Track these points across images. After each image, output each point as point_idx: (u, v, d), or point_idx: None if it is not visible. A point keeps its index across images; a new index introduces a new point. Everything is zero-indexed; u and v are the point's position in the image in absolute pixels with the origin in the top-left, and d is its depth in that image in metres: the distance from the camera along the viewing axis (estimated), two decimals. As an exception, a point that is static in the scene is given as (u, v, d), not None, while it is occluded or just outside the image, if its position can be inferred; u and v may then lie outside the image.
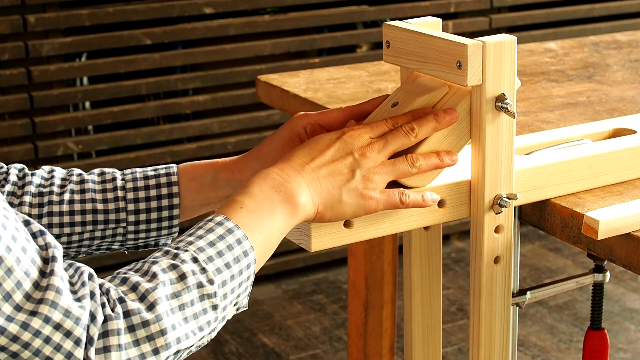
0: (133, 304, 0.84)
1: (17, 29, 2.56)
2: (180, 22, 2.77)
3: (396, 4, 3.01)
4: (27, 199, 1.09)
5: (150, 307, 0.85)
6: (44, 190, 1.10)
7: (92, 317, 0.82)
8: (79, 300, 0.82)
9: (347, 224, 1.03)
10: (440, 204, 1.07)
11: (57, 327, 0.80)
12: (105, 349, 0.83)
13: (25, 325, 0.79)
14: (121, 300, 0.85)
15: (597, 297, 1.38)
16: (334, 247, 1.05)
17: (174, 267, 0.88)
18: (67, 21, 2.61)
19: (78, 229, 1.10)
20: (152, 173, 1.12)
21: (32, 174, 1.11)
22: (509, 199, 1.07)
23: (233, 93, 2.87)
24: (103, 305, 0.84)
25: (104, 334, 0.83)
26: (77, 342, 0.81)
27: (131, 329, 0.84)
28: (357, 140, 1.01)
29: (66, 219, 1.09)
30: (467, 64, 1.01)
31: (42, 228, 0.85)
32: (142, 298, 0.85)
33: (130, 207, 1.11)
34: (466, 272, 3.06)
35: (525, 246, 3.22)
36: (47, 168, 1.13)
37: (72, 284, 0.83)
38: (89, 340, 0.82)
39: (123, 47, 2.70)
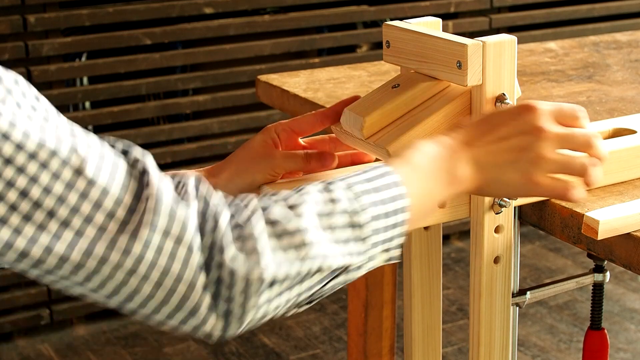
0: (280, 211, 0.83)
1: (17, 29, 2.56)
2: (180, 22, 2.77)
3: (396, 4, 3.01)
4: None
5: (299, 216, 0.83)
6: None
7: (213, 221, 0.81)
8: (184, 206, 0.80)
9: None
10: (440, 204, 1.07)
11: (166, 234, 0.79)
12: (248, 252, 0.81)
13: (133, 238, 0.78)
14: (266, 208, 0.83)
15: (597, 297, 1.38)
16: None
17: (326, 189, 0.87)
18: (67, 21, 2.61)
19: None
20: None
21: None
22: (508, 199, 1.07)
23: (233, 93, 2.87)
24: (235, 211, 0.82)
25: (242, 238, 0.81)
26: (190, 247, 0.79)
27: (276, 235, 0.82)
28: (535, 121, 0.97)
29: None
30: (467, 64, 1.01)
31: (126, 142, 0.84)
32: (291, 207, 0.84)
33: None
34: (466, 272, 3.06)
35: (525, 246, 3.22)
36: None
37: (177, 191, 0.82)
38: (214, 245, 0.80)
39: (123, 47, 2.70)
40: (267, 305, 0.83)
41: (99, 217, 0.78)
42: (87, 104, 2.77)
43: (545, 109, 0.98)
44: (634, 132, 1.23)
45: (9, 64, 2.59)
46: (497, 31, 3.13)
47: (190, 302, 0.81)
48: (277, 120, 2.91)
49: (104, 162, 0.79)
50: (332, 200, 0.86)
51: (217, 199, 0.84)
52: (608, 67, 1.77)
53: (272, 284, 0.82)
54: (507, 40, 1.03)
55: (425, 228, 1.19)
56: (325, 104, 1.58)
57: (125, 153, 0.83)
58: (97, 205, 0.77)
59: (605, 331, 1.39)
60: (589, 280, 1.32)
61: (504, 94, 1.04)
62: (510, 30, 3.19)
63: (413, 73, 1.10)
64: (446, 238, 3.24)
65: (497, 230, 1.09)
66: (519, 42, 1.08)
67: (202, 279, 0.80)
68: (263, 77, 1.76)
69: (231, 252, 0.81)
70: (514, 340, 1.21)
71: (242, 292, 0.81)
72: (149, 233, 0.79)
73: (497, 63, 1.03)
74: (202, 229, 0.81)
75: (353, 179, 0.89)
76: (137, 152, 0.83)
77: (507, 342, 1.15)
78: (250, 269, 0.81)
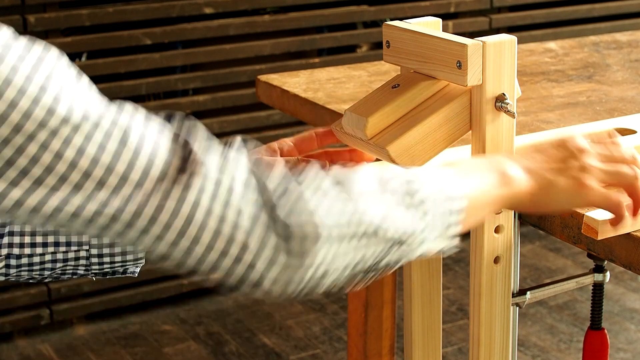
0: (338, 173, 0.85)
1: (17, 29, 2.56)
2: (180, 22, 2.77)
3: (396, 4, 3.01)
4: None
5: (350, 186, 0.84)
6: None
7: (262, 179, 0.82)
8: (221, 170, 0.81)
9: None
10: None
11: (218, 183, 0.80)
12: (301, 209, 0.81)
13: (187, 188, 0.79)
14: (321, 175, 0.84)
15: (597, 297, 1.38)
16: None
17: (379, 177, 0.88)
18: (67, 21, 2.61)
19: (39, 249, 1.08)
20: None
21: None
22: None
23: (233, 93, 2.87)
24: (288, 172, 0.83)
25: (297, 194, 0.82)
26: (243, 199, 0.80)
27: (333, 192, 0.83)
28: (575, 142, 1.00)
29: (27, 239, 1.07)
30: (467, 64, 1.01)
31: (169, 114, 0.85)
32: (339, 182, 0.85)
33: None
34: (466, 272, 3.06)
35: (525, 246, 3.22)
36: None
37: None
38: (267, 202, 0.81)
39: (123, 47, 2.70)
40: (326, 263, 0.83)
41: (150, 178, 0.79)
42: (87, 104, 2.77)
43: (579, 135, 1.01)
44: (634, 132, 1.23)
45: (9, 64, 2.59)
46: (497, 31, 3.13)
47: (248, 253, 0.81)
48: (277, 120, 2.91)
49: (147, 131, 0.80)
50: (386, 179, 0.87)
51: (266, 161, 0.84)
52: (608, 67, 1.77)
53: (327, 239, 0.82)
54: (507, 40, 1.03)
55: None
56: (325, 104, 1.58)
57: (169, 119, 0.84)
58: (146, 169, 0.79)
59: (605, 331, 1.39)
60: (589, 280, 1.32)
61: (504, 94, 1.04)
62: (510, 30, 3.19)
63: (413, 73, 1.10)
64: (446, 238, 3.24)
65: (497, 230, 1.09)
66: (519, 42, 1.08)
67: (258, 229, 0.81)
68: (263, 77, 1.76)
69: (285, 208, 0.81)
70: (514, 340, 1.21)
71: (299, 245, 0.81)
72: (202, 181, 0.79)
73: (497, 63, 1.03)
74: (252, 185, 0.81)
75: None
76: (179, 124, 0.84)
77: (507, 342, 1.15)
78: (304, 222, 0.81)
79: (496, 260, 1.10)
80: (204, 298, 2.93)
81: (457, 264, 3.12)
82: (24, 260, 1.08)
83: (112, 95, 2.72)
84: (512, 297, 1.19)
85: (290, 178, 0.83)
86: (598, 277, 1.32)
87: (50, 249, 1.09)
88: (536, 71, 1.75)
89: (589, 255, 1.23)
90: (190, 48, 2.81)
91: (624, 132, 1.25)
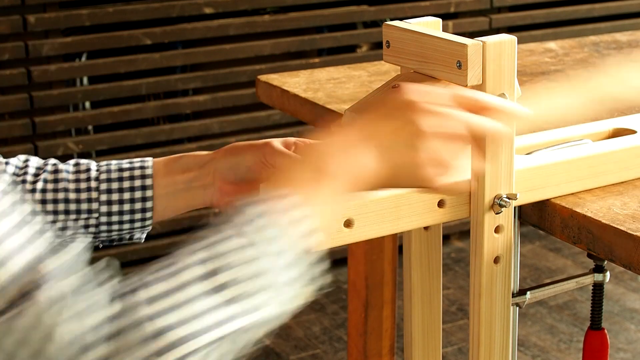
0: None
1: (17, 29, 2.56)
2: (180, 22, 2.77)
3: (396, 4, 3.01)
4: None
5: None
6: (17, 179, 1.09)
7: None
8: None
9: (348, 223, 1.03)
10: (441, 204, 1.07)
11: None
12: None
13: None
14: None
15: (597, 297, 1.38)
16: (334, 247, 1.05)
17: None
18: (67, 21, 2.61)
19: (49, 217, 1.09)
20: (127, 165, 1.12)
21: (7, 163, 1.10)
22: (509, 199, 1.07)
23: (233, 93, 2.87)
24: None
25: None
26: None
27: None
28: (404, 95, 0.96)
29: (37, 207, 1.08)
30: (467, 64, 1.01)
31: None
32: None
33: (103, 197, 1.10)
34: (466, 272, 3.06)
35: (525, 246, 3.22)
36: (22, 157, 1.12)
37: None
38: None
39: (123, 47, 2.70)
40: None
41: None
42: (87, 104, 2.77)
43: (413, 87, 0.96)
44: (634, 132, 1.23)
45: (9, 64, 2.59)
46: (497, 31, 3.13)
47: None
48: (277, 120, 2.91)
49: None
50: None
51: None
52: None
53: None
54: (507, 40, 1.03)
55: (425, 228, 1.19)
56: (325, 104, 1.58)
57: None
58: None
59: (605, 331, 1.39)
60: (589, 280, 1.32)
61: (504, 94, 1.04)
62: (510, 30, 3.19)
63: (413, 73, 1.10)
64: (446, 238, 3.24)
65: (497, 230, 1.09)
66: (519, 42, 1.08)
67: None
68: (263, 77, 1.76)
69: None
70: (514, 340, 1.21)
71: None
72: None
73: (497, 63, 1.03)
74: None
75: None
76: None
77: (507, 342, 1.15)
78: None
79: (496, 260, 1.10)
80: (204, 298, 2.93)
81: (457, 264, 3.12)
82: None
83: (112, 95, 2.73)
84: (512, 297, 1.19)
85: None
86: (598, 277, 1.32)
87: (61, 217, 1.10)
88: (536, 71, 1.75)
89: (589, 255, 1.23)
90: (190, 48, 2.81)
91: (624, 132, 1.25)
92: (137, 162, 1.13)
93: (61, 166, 1.12)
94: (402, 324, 1.24)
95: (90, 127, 2.77)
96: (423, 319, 1.22)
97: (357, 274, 1.88)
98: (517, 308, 1.23)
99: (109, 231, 1.12)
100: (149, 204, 1.12)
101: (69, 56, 2.69)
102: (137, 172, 1.12)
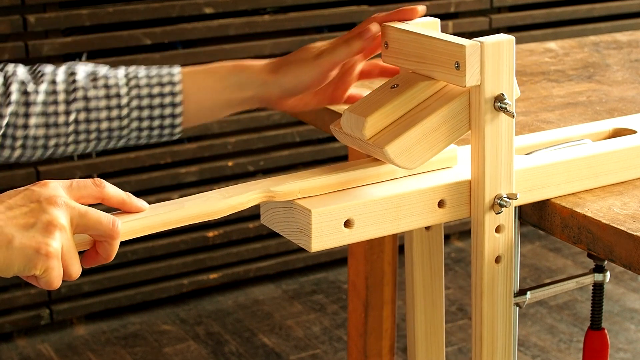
0: None
1: (17, 29, 2.56)
2: (180, 22, 2.77)
3: (396, 4, 3.01)
4: (32, 121, 1.13)
5: None
6: (49, 110, 1.14)
7: None
8: None
9: (348, 224, 1.03)
10: (441, 204, 1.08)
11: None
12: None
13: None
14: None
15: (597, 297, 1.38)
16: (334, 247, 1.05)
17: None
18: (67, 21, 2.61)
19: (82, 146, 1.16)
20: (155, 72, 1.18)
21: (36, 92, 1.14)
22: (509, 198, 1.07)
23: (233, 93, 2.87)
24: None
25: None
26: None
27: None
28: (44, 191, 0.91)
29: (71, 138, 1.15)
30: (465, 65, 1.01)
31: None
32: None
33: (134, 115, 1.17)
34: (466, 272, 3.06)
35: (525, 246, 3.22)
36: (48, 78, 1.15)
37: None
38: None
39: (123, 47, 2.70)
40: None
41: None
42: (87, 104, 2.77)
43: (54, 183, 0.91)
44: (634, 132, 1.23)
45: (9, 64, 2.59)
46: (497, 31, 3.13)
47: None
48: (277, 120, 2.91)
49: None
50: None
51: None
52: (608, 67, 1.77)
53: None
54: (506, 40, 1.03)
55: (427, 228, 1.19)
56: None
57: None
58: None
59: (606, 331, 1.39)
60: (589, 280, 1.32)
61: (502, 94, 1.04)
62: (510, 30, 3.19)
63: (412, 73, 1.10)
64: (446, 238, 3.24)
65: (497, 229, 1.09)
66: (519, 42, 1.08)
67: None
68: (263, 77, 1.75)
69: None
70: (514, 340, 1.21)
71: None
72: None
73: (495, 63, 1.03)
74: None
75: None
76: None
77: (510, 342, 1.15)
78: None
79: (497, 259, 1.10)
80: (204, 298, 2.93)
81: (457, 264, 3.12)
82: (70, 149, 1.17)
83: (112, 96, 2.72)
84: (513, 297, 1.19)
85: None
86: (598, 277, 1.32)
87: (92, 143, 1.18)
88: (536, 71, 1.75)
89: (589, 255, 1.23)
90: (190, 48, 2.81)
91: (624, 132, 1.25)
92: (165, 68, 1.20)
93: (90, 93, 1.16)
94: (402, 324, 1.24)
95: (90, 127, 2.77)
96: (426, 319, 1.23)
97: (357, 274, 1.88)
98: (517, 308, 1.23)
99: (138, 137, 1.19)
100: (178, 110, 1.18)
101: (69, 56, 2.69)
102: (165, 79, 1.18)
